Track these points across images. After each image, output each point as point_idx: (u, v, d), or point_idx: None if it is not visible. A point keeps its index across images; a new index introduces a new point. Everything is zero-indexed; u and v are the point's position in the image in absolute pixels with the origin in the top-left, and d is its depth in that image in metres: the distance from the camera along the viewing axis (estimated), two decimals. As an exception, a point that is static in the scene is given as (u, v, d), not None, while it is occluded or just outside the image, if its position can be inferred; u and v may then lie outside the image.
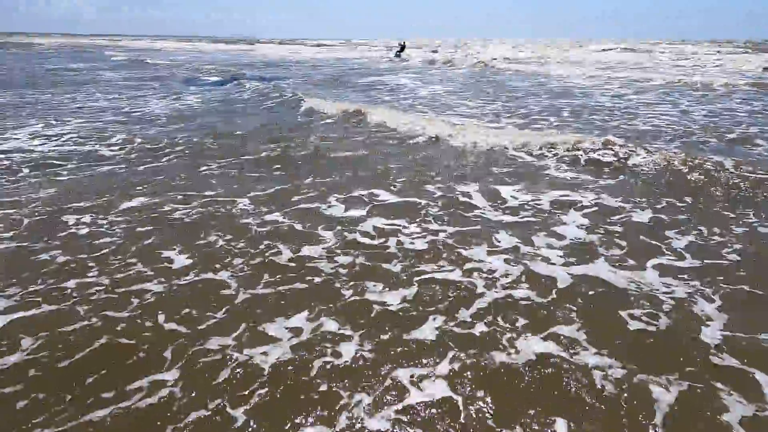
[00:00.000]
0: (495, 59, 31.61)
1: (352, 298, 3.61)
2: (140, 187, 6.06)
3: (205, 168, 6.95)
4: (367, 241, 4.60)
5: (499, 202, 5.63)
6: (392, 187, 6.07)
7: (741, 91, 15.87)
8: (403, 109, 12.27)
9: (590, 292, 3.67)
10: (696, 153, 7.06)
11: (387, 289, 3.74)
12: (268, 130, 9.61)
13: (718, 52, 37.56)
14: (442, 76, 22.81)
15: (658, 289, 3.71)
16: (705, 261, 4.18)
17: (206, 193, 5.85)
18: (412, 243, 4.52)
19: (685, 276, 3.92)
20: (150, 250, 4.35)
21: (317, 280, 3.88)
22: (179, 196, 5.72)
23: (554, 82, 19.46)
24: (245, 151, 7.85)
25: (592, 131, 9.13)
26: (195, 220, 5.03)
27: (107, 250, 4.35)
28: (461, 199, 5.70)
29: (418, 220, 5.08)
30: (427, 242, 4.54)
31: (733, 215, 5.19)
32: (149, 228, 4.82)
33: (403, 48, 37.24)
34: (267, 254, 4.30)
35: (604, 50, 42.98)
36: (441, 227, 4.89)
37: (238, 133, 9.24)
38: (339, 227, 4.88)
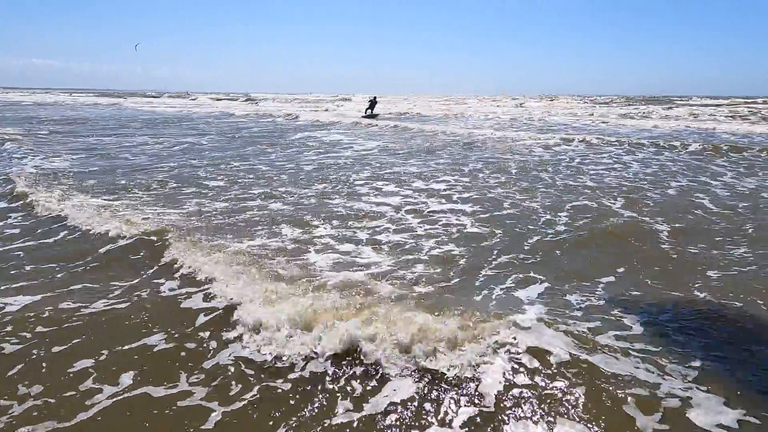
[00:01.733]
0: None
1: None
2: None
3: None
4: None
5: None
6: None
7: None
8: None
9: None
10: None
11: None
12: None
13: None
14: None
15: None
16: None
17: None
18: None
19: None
20: (57, 365, 3.25)
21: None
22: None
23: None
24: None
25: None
26: (110, 318, 3.97)
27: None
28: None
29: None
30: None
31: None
32: (47, 338, 3.67)
33: (373, 103, 31.57)
34: (224, 359, 3.39)
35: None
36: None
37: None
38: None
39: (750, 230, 6.40)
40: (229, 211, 7.29)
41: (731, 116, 31.85)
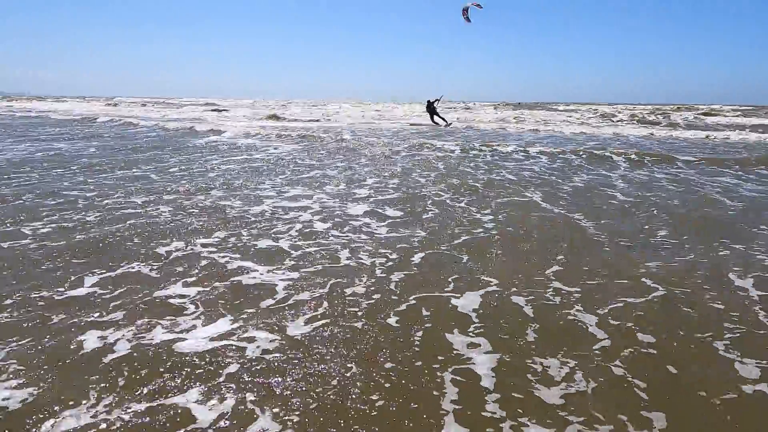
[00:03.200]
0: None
1: None
2: None
3: None
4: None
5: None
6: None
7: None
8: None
9: None
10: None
11: None
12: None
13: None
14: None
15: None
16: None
17: None
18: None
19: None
20: None
21: None
22: None
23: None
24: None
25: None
26: None
27: None
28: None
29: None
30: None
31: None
32: None
33: (431, 105, 23.97)
34: None
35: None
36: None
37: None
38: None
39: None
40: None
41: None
